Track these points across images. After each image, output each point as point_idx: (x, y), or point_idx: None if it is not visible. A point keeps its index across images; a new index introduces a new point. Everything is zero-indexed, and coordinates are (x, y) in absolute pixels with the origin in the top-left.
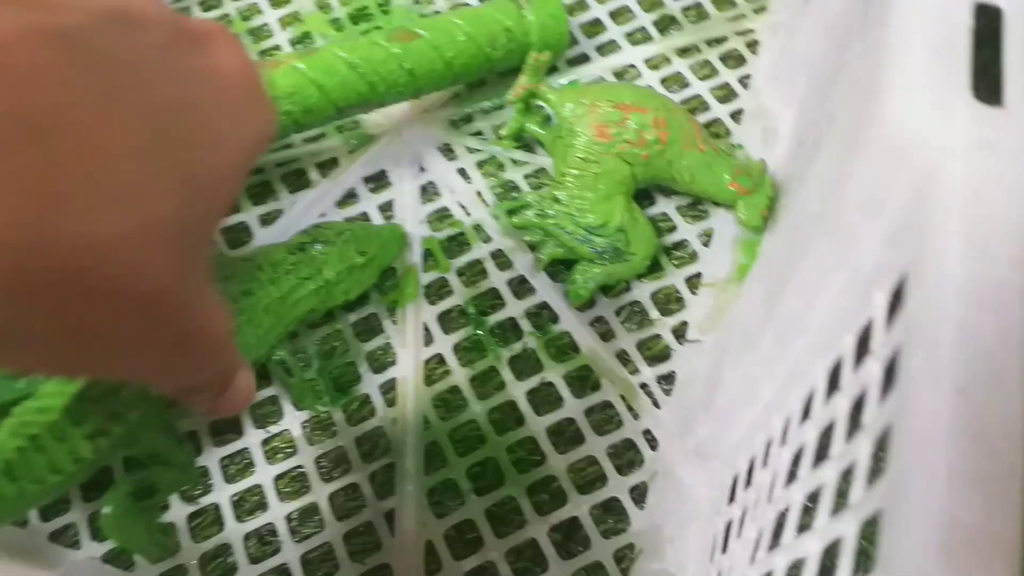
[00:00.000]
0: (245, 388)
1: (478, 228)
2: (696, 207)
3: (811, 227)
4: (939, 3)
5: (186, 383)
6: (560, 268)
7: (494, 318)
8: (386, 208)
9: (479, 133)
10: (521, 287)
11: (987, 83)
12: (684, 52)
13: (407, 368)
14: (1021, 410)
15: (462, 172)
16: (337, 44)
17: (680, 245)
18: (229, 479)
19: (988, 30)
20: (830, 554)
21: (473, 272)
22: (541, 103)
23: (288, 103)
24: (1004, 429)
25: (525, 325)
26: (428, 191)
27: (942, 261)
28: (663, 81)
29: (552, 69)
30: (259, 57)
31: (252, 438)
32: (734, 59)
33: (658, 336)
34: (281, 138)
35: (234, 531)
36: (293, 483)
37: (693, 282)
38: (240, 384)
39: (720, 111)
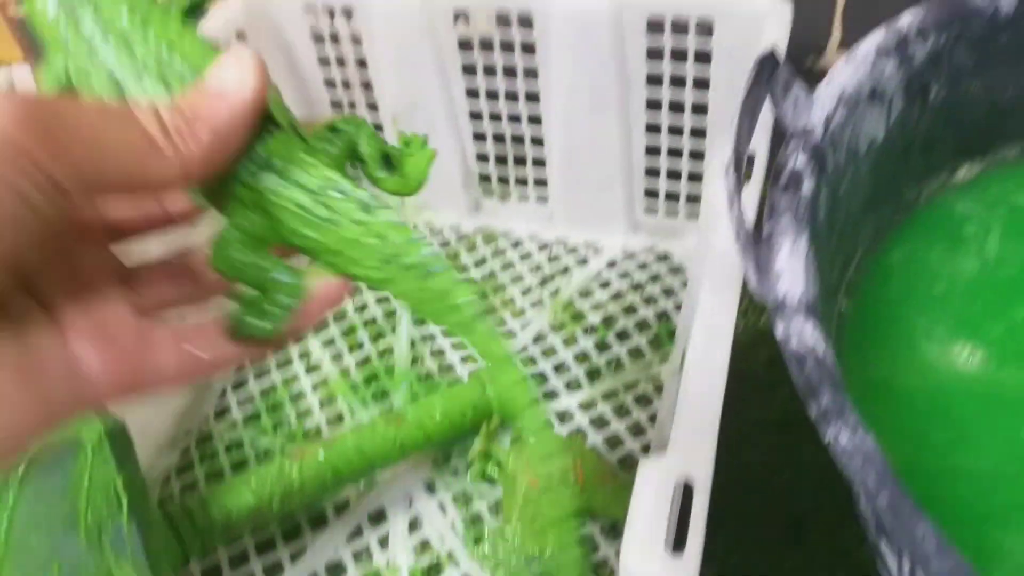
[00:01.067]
0: (331, 287)
1: (450, 555)
2: (615, 528)
3: None
4: (661, 473)
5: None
6: None
7: None
8: (383, 542)
9: (455, 471)
10: None
11: (678, 538)
12: (607, 396)
13: None
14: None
15: (441, 506)
16: (349, 432)
17: (602, 564)
18: None
19: (686, 500)
20: None
21: None
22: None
23: (312, 484)
24: None
25: None
26: (414, 524)
27: None
28: (591, 422)
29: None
30: (297, 423)
31: None
32: (645, 400)
33: None
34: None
35: None
36: None
37: None
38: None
39: (633, 446)
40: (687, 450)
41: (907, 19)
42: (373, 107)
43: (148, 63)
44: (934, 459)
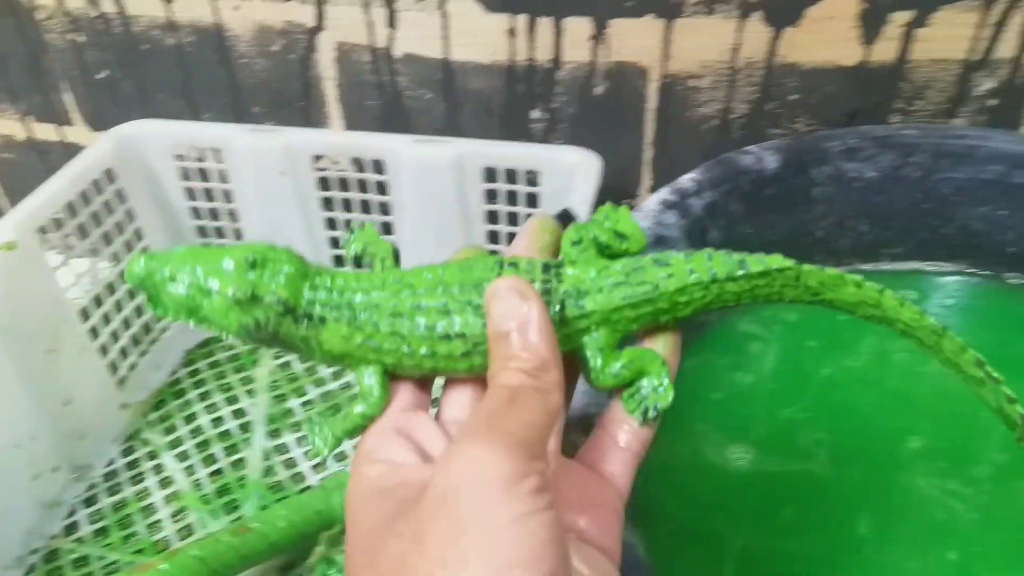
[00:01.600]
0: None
1: None
2: None
3: None
4: None
5: None
6: None
7: None
8: None
9: None
10: None
11: None
12: None
13: None
14: None
15: None
16: (193, 544)
17: None
18: None
19: None
20: None
21: None
22: None
23: None
24: None
25: None
26: None
27: None
28: None
29: None
30: (148, 537)
31: None
32: None
33: None
34: None
35: None
36: None
37: None
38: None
39: None
40: None
41: (686, 179)
42: (239, 234)
43: (451, 305)
44: (718, 544)
